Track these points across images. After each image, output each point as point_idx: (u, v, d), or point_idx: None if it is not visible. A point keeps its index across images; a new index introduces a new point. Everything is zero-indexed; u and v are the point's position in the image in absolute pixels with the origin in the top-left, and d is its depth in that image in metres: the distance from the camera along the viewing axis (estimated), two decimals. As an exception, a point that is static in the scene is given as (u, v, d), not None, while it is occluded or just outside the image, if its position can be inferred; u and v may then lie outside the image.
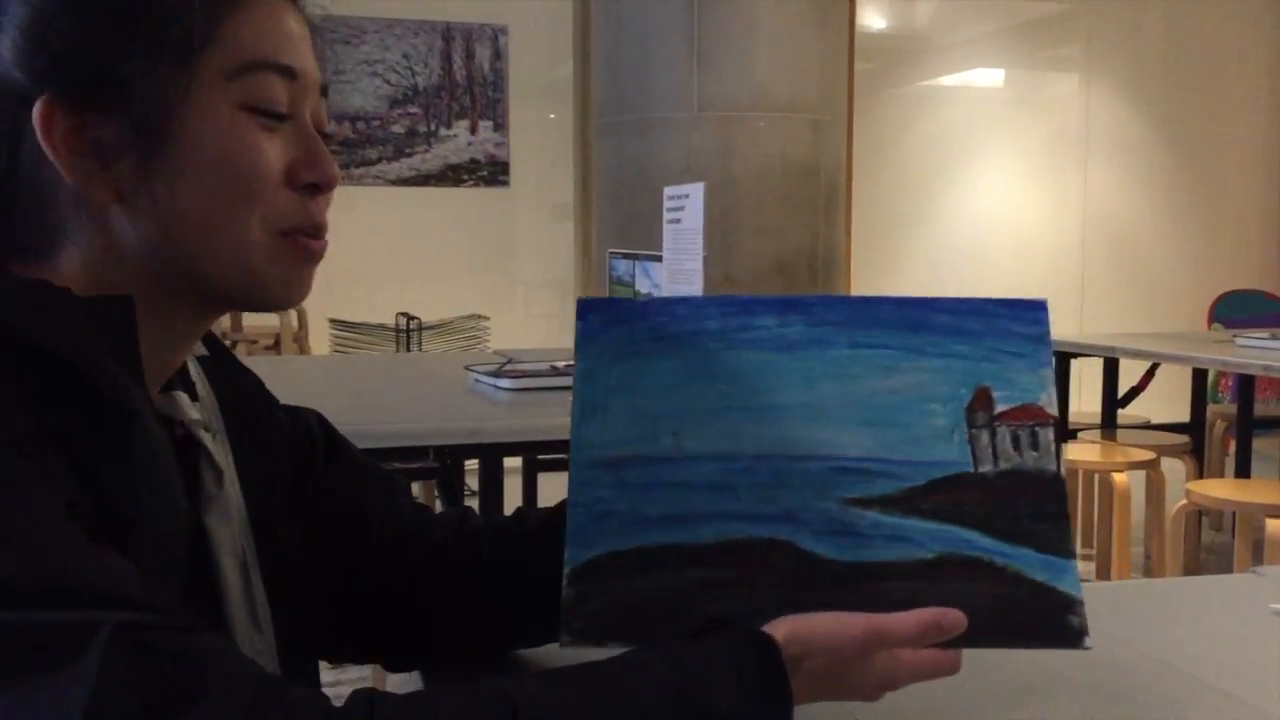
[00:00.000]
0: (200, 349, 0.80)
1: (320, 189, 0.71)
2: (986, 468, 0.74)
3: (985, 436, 0.74)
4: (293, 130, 0.71)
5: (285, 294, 0.72)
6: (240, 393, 0.83)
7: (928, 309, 0.76)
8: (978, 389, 0.74)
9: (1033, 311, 0.76)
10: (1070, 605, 0.72)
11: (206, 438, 0.75)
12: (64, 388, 0.60)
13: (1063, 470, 0.74)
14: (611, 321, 0.77)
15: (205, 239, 0.68)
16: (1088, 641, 0.71)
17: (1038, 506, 0.73)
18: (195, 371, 0.79)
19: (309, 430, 0.87)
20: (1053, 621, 0.72)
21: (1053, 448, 0.74)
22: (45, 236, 0.67)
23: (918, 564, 0.73)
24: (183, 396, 0.75)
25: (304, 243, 0.71)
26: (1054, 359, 0.76)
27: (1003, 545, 0.73)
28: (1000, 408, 0.74)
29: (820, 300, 0.77)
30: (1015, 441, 0.74)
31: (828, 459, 0.74)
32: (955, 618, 0.69)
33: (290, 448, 0.85)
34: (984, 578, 0.72)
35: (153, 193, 0.66)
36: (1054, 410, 0.74)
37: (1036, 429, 0.74)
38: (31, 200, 0.67)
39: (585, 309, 0.77)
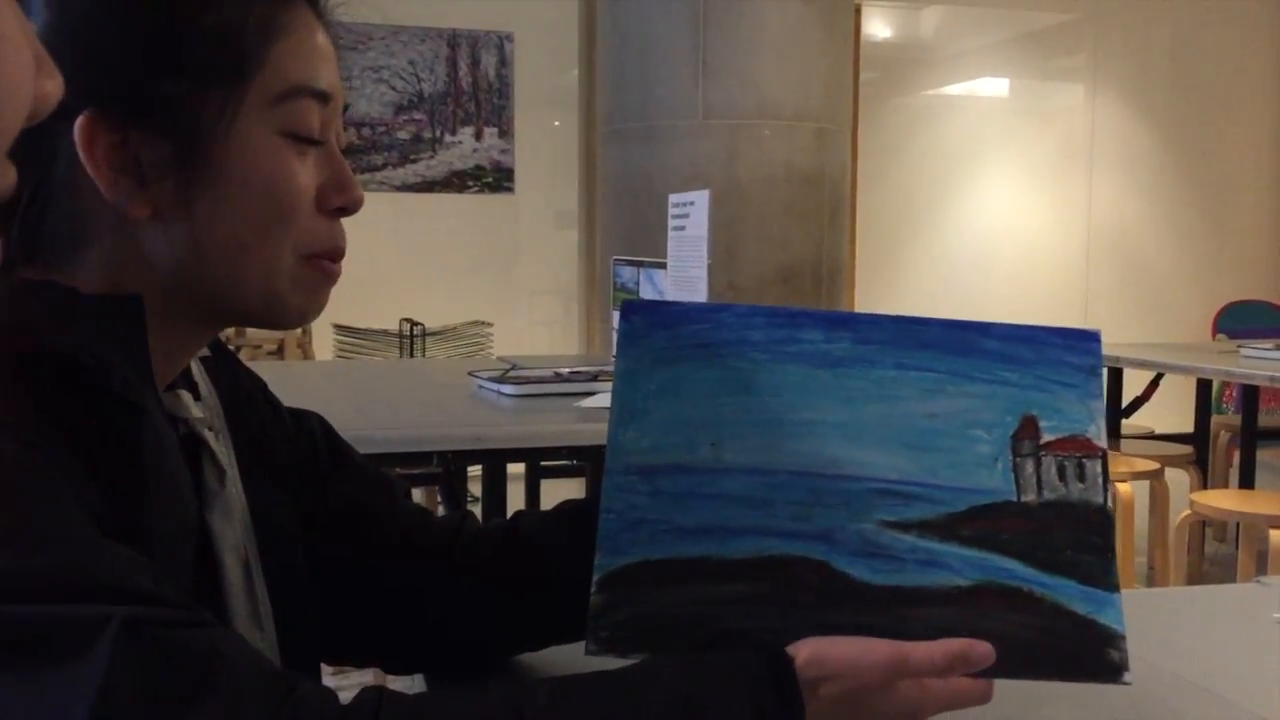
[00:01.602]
0: (203, 349, 0.81)
1: (347, 212, 0.73)
2: (1030, 497, 0.72)
3: (1030, 465, 0.72)
4: (322, 153, 0.71)
5: (303, 315, 0.73)
6: (242, 393, 0.83)
7: (977, 333, 0.74)
8: (1024, 417, 0.73)
9: (1086, 342, 0.74)
10: (1111, 639, 0.71)
11: (210, 436, 0.75)
12: (73, 387, 0.60)
13: (1111, 503, 0.73)
14: (655, 325, 0.76)
15: (236, 260, 0.68)
16: (1127, 677, 0.70)
17: (1081, 538, 0.72)
18: (198, 371, 0.79)
19: (311, 433, 0.88)
20: (1092, 655, 0.71)
21: (1100, 480, 0.72)
22: (67, 243, 0.67)
23: (954, 591, 0.72)
24: (186, 395, 0.75)
25: (325, 266, 0.72)
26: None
27: (1043, 575, 0.71)
28: (1047, 437, 0.73)
29: (868, 318, 0.76)
30: (1061, 472, 0.72)
31: (867, 480, 0.73)
32: (984, 650, 0.68)
33: (293, 450, 0.85)
34: (1022, 608, 0.71)
35: (190, 212, 0.67)
36: (1103, 443, 0.73)
37: (1084, 460, 0.72)
38: (62, 210, 0.67)
39: (629, 310, 0.77)
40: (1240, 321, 6.26)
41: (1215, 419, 4.57)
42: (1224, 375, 3.38)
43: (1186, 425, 4.39)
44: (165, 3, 0.66)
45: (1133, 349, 3.94)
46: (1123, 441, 4.10)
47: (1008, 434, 0.73)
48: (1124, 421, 4.23)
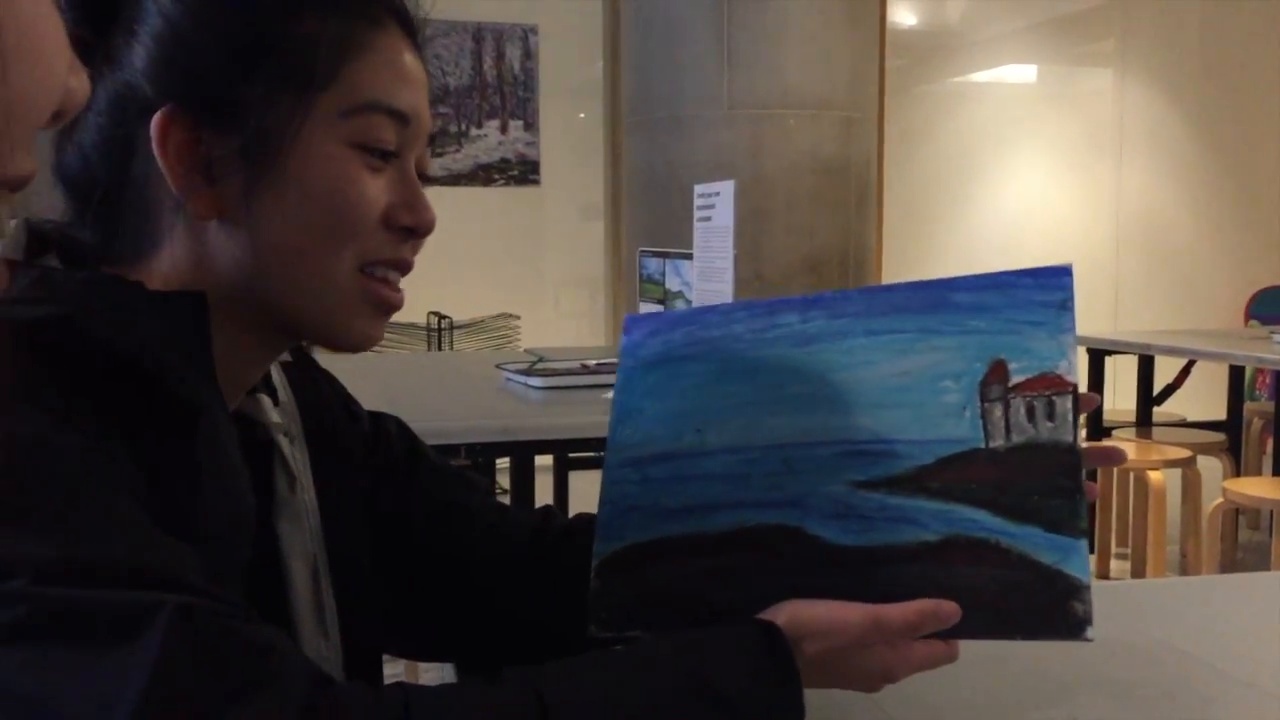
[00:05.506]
0: (284, 354, 0.82)
1: (416, 234, 0.73)
2: (998, 442, 0.71)
3: (998, 410, 0.71)
4: (397, 173, 0.72)
5: (355, 337, 0.72)
6: (321, 399, 0.84)
7: (944, 289, 0.75)
8: (993, 362, 0.72)
9: (1056, 278, 0.73)
10: (1075, 591, 0.68)
11: (284, 442, 0.76)
12: (132, 383, 0.60)
13: (1080, 441, 0.70)
14: (651, 334, 0.81)
15: (293, 267, 0.69)
16: (1090, 632, 0.67)
17: (1049, 481, 0.69)
18: (278, 377, 0.80)
19: (388, 435, 0.89)
20: (1056, 610, 0.68)
21: (1070, 417, 0.70)
22: (142, 242, 0.69)
23: (923, 546, 0.71)
24: (265, 400, 0.76)
25: (384, 293, 0.72)
26: (1076, 326, 0.71)
27: (1010, 525, 0.70)
28: (1016, 379, 0.71)
29: (841, 294, 0.77)
30: (1030, 413, 0.71)
31: (837, 444, 0.74)
32: (950, 608, 0.69)
33: (371, 456, 0.86)
34: (989, 561, 0.70)
35: (252, 214, 0.67)
36: (1074, 378, 0.71)
37: (1054, 398, 0.70)
38: (135, 206, 0.69)
39: (630, 324, 0.82)
40: (1273, 307, 6.19)
41: (1248, 406, 4.53)
42: (1256, 362, 3.35)
43: (1219, 412, 4.35)
44: (248, 9, 0.68)
45: (1164, 336, 3.91)
46: (1154, 429, 4.07)
47: (976, 381, 0.72)
48: (1156, 409, 4.20)
